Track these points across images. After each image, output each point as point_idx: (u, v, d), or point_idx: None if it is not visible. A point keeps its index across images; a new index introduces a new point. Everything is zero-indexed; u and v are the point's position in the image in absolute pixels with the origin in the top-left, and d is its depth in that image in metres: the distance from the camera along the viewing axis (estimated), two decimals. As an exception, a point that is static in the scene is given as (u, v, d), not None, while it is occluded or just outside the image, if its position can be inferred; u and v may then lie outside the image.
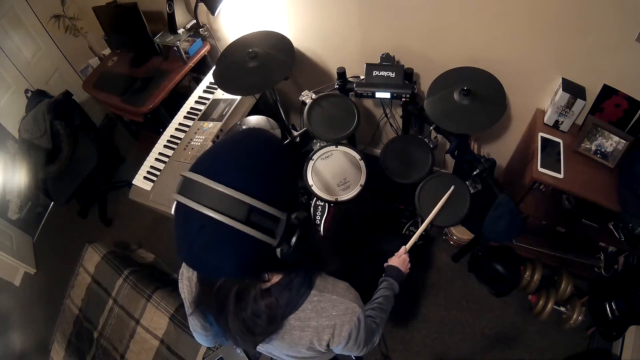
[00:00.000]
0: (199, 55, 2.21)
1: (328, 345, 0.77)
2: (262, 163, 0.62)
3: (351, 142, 2.03)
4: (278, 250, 0.62)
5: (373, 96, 1.66)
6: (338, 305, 0.75)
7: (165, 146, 1.97)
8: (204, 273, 0.73)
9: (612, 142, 1.43)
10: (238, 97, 1.96)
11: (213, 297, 0.69)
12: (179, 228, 0.62)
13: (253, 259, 0.62)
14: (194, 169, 0.61)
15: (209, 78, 2.13)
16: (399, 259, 1.16)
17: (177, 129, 2.00)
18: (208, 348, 1.76)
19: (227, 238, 0.58)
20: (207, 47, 2.23)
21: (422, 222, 1.37)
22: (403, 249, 1.20)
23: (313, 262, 0.77)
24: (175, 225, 0.62)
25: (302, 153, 1.70)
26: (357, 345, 0.79)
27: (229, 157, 0.62)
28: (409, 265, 1.17)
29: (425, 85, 1.76)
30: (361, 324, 0.77)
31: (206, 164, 0.62)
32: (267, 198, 0.59)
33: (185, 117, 2.03)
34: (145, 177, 1.90)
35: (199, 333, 0.91)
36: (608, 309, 1.69)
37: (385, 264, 1.16)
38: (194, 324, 0.89)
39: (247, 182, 0.58)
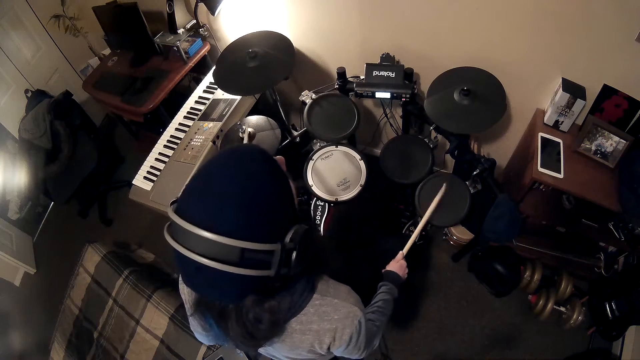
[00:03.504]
0: (199, 55, 2.21)
1: (329, 348, 0.77)
2: (248, 200, 0.59)
3: (351, 142, 2.03)
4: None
5: (373, 96, 1.66)
6: (340, 309, 0.75)
7: (165, 146, 1.97)
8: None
9: (612, 142, 1.43)
10: (238, 97, 1.96)
11: (213, 302, 0.69)
12: (177, 263, 0.60)
13: (253, 288, 0.63)
14: (180, 211, 0.59)
15: (209, 78, 2.13)
16: (397, 264, 1.17)
17: (177, 129, 2.00)
18: (208, 348, 1.76)
19: (223, 278, 0.57)
20: (207, 47, 2.23)
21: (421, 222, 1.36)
22: (400, 254, 1.21)
23: (314, 266, 0.77)
24: (174, 257, 0.61)
25: (302, 153, 1.70)
26: (357, 348, 0.80)
27: (213, 198, 0.58)
28: (407, 270, 1.18)
29: (425, 85, 1.76)
30: (362, 328, 0.77)
31: (191, 207, 0.59)
32: (257, 237, 0.57)
33: (185, 117, 2.03)
34: (145, 177, 1.89)
35: (200, 333, 0.92)
36: (608, 309, 1.69)
37: (384, 270, 1.17)
38: (195, 325, 0.89)
39: (234, 226, 0.56)
